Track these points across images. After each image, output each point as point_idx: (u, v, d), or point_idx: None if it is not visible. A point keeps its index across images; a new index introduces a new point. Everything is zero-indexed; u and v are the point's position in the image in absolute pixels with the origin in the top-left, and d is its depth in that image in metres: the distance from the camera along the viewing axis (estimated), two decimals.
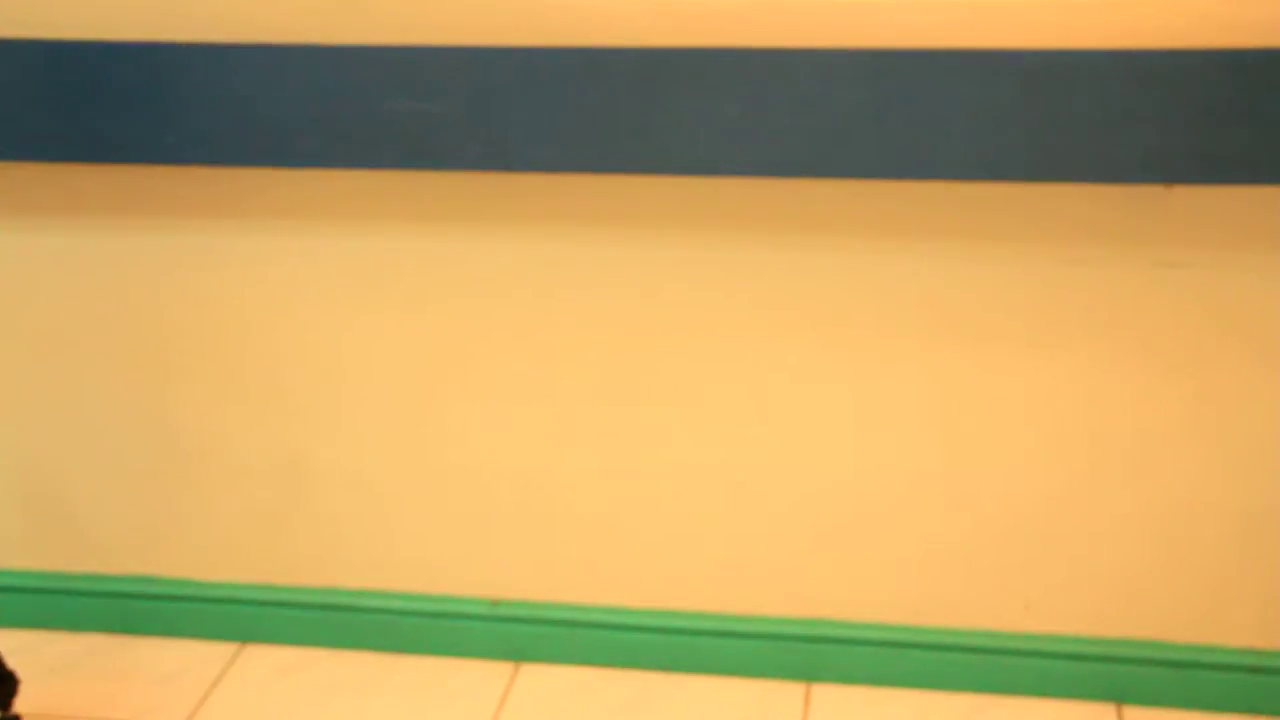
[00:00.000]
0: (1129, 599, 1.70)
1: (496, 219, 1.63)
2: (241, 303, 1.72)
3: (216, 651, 1.89)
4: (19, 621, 1.94)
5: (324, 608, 1.88)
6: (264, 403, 1.77)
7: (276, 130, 1.56)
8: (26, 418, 1.83)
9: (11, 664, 1.61)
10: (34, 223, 1.72)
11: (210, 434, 1.80)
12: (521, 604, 1.84)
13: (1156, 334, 1.57)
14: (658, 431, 1.70)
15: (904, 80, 1.45)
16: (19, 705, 1.62)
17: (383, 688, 1.82)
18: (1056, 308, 1.57)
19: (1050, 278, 1.56)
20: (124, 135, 1.59)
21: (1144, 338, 1.57)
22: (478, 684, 1.82)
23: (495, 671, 1.84)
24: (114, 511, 1.87)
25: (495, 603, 1.85)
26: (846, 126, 1.47)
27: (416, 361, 1.71)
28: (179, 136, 1.58)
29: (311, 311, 1.71)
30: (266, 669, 1.86)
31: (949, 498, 1.68)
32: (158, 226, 1.69)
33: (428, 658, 1.87)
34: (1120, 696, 1.74)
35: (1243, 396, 1.58)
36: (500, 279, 1.66)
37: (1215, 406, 1.59)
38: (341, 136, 1.55)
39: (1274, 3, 1.39)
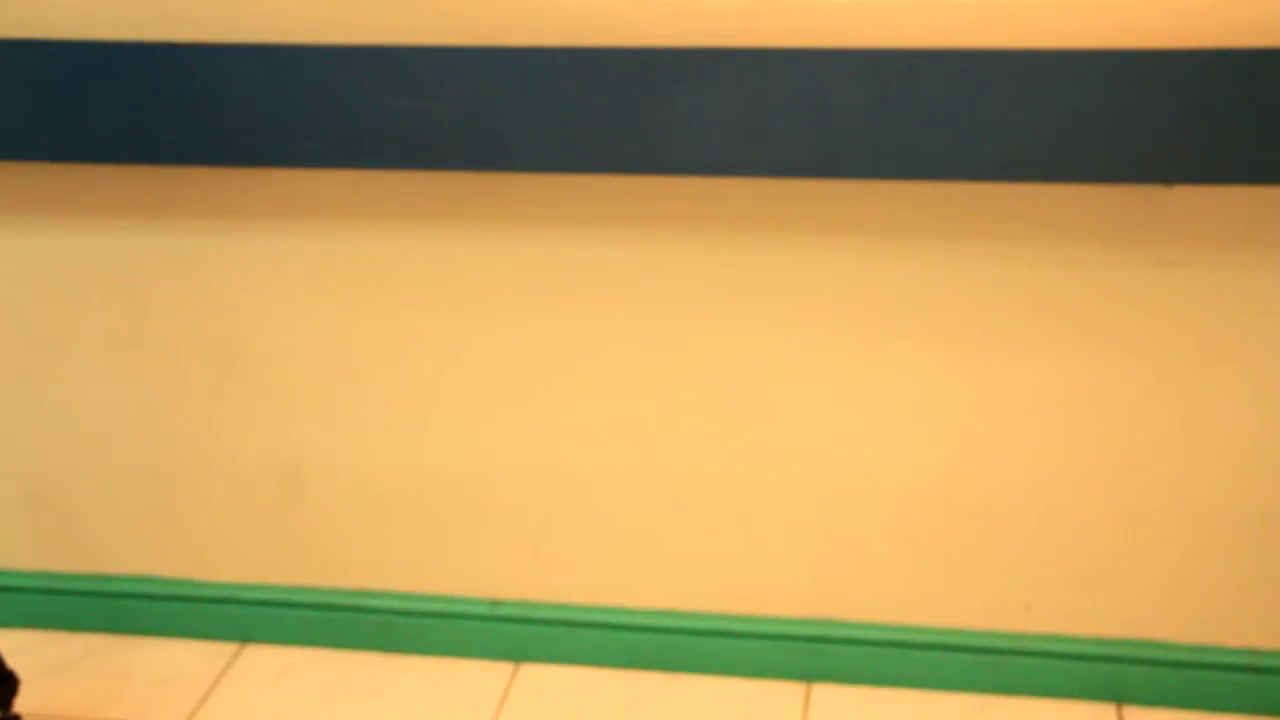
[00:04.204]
0: (1129, 599, 1.70)
1: (496, 219, 1.63)
2: (241, 303, 1.72)
3: (216, 651, 1.89)
4: (19, 621, 1.94)
5: (324, 608, 1.88)
6: (264, 403, 1.77)
7: (276, 130, 1.56)
8: (26, 418, 1.83)
9: (11, 664, 1.61)
10: (34, 223, 1.72)
11: (210, 434, 1.80)
12: (521, 604, 1.84)
13: (1156, 334, 1.57)
14: (657, 431, 1.70)
15: (904, 80, 1.45)
16: (19, 705, 1.62)
17: (383, 688, 1.82)
18: (1056, 308, 1.57)
19: (1050, 278, 1.56)
20: (124, 135, 1.59)
21: (1144, 337, 1.57)
22: (478, 684, 1.82)
23: (495, 671, 1.84)
24: (114, 511, 1.87)
25: (495, 603, 1.85)
26: (846, 126, 1.47)
27: (416, 361, 1.72)
28: (179, 136, 1.58)
29: (311, 311, 1.71)
30: (266, 669, 1.86)
31: (949, 498, 1.68)
32: (158, 226, 1.69)
33: (428, 658, 1.87)
34: (1120, 696, 1.74)
35: (1243, 396, 1.58)
36: (500, 279, 1.66)
37: (1215, 406, 1.59)
38: (341, 136, 1.55)
39: (1274, 3, 1.39)
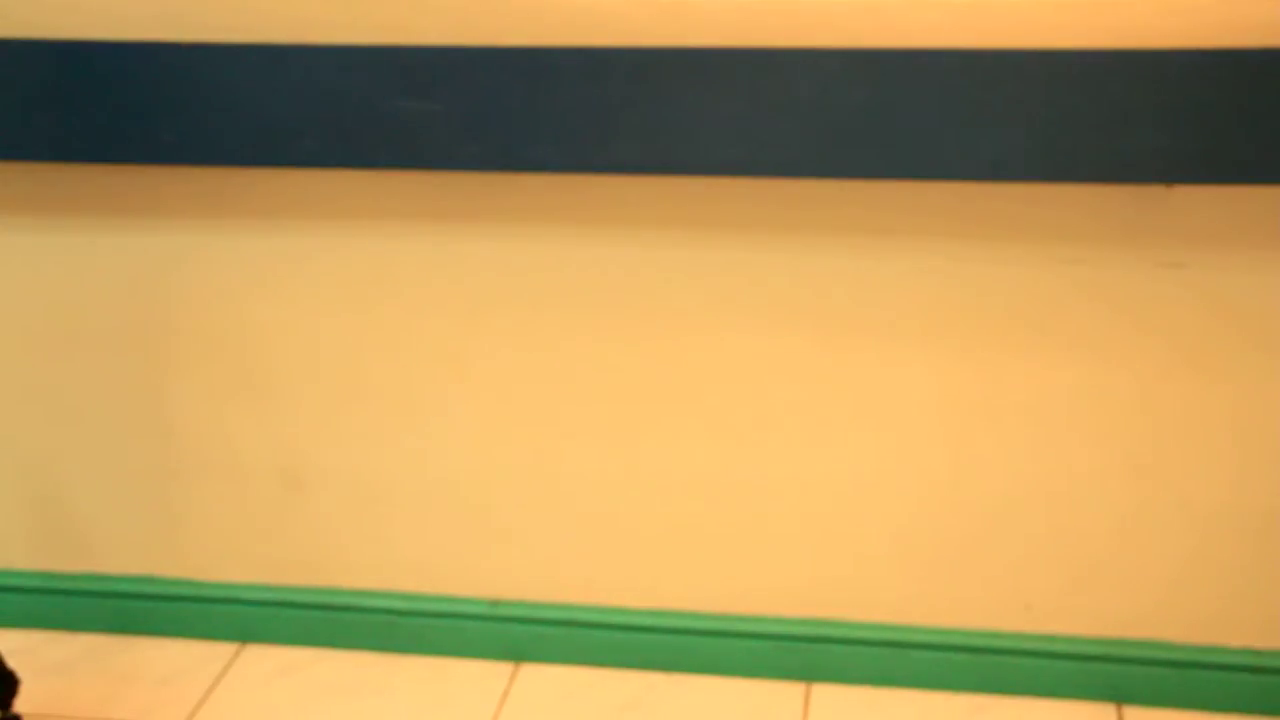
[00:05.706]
0: (1129, 599, 1.70)
1: (496, 219, 1.63)
2: (241, 303, 1.72)
3: (216, 651, 1.89)
4: (19, 621, 1.94)
5: (324, 608, 1.88)
6: (264, 403, 1.77)
7: (276, 130, 1.56)
8: (26, 418, 1.83)
9: (11, 664, 1.61)
10: (34, 223, 1.72)
11: (210, 434, 1.80)
12: (521, 604, 1.84)
13: (1157, 334, 1.57)
14: (657, 431, 1.70)
15: (904, 80, 1.45)
16: (19, 705, 1.61)
17: (383, 688, 1.82)
18: (1057, 308, 1.57)
19: (1051, 278, 1.56)
20: (124, 135, 1.59)
21: (1144, 338, 1.57)
22: (478, 684, 1.82)
23: (495, 671, 1.84)
24: (114, 511, 1.87)
25: (495, 603, 1.85)
26: (846, 126, 1.47)
27: (416, 361, 1.71)
28: (179, 136, 1.58)
29: (311, 311, 1.71)
30: (266, 669, 1.86)
31: (949, 497, 1.68)
32: (158, 226, 1.69)
33: (428, 658, 1.87)
34: (1120, 696, 1.74)
35: (1243, 396, 1.58)
36: (500, 279, 1.66)
37: (1215, 406, 1.59)
38: (341, 136, 1.55)
39: (1274, 3, 1.39)
